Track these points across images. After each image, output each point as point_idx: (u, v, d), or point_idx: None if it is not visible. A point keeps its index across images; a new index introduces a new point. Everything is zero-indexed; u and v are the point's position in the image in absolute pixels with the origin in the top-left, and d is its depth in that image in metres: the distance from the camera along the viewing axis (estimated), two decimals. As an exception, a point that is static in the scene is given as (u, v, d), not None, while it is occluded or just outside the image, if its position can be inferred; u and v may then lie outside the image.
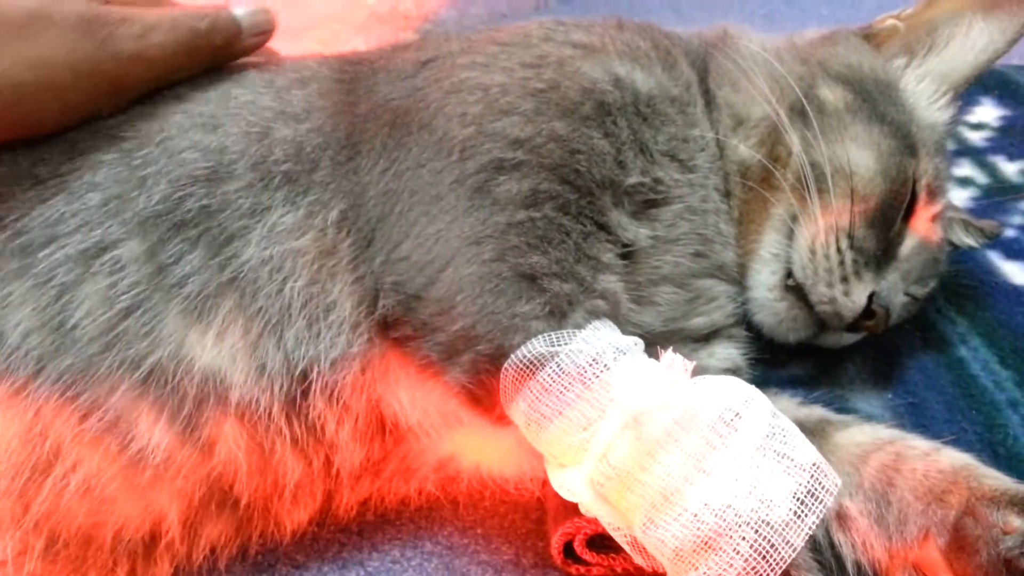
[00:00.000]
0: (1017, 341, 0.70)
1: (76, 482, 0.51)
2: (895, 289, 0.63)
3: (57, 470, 0.50)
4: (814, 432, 0.55)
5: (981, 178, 0.95)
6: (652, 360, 0.48)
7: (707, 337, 0.61)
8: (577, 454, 0.46)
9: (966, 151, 0.99)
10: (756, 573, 0.42)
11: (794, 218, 0.62)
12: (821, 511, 0.43)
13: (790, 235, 0.62)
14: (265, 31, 0.66)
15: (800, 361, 0.68)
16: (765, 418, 0.45)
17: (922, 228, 0.65)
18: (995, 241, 0.78)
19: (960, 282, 0.75)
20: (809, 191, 0.61)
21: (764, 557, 0.42)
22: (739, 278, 0.63)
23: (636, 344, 0.49)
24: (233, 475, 0.53)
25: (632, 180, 0.56)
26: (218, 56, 0.63)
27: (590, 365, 0.46)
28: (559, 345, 0.47)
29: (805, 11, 1.56)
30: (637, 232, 0.56)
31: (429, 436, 0.56)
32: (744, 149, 0.63)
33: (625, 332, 0.50)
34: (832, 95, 0.64)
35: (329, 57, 0.67)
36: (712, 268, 0.61)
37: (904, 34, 0.69)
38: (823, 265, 0.61)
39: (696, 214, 0.60)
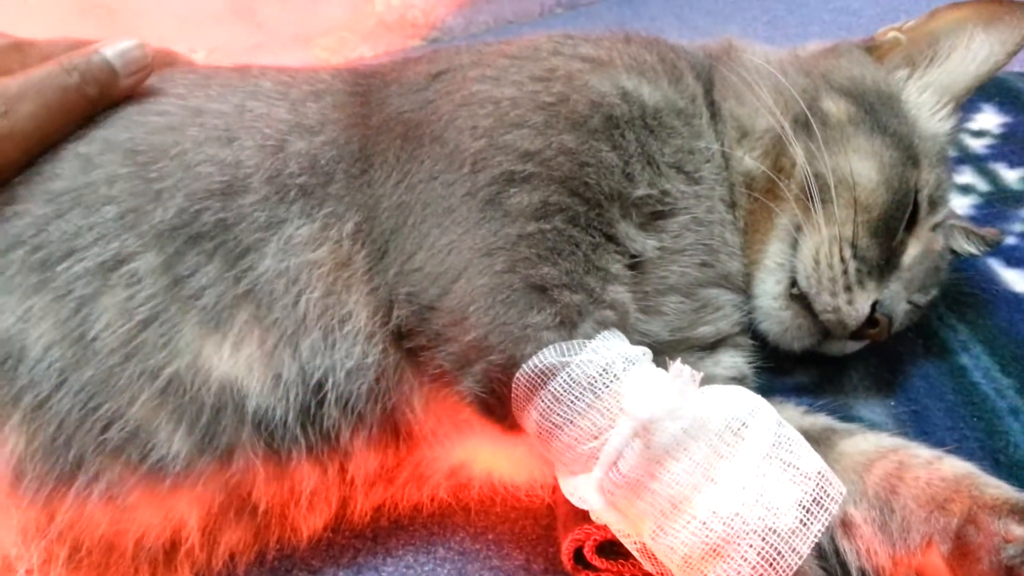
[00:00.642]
0: (1018, 349, 0.71)
1: (99, 491, 0.52)
2: (898, 298, 0.64)
3: (80, 480, 0.51)
4: (819, 440, 0.56)
5: (982, 185, 0.95)
6: (661, 370, 0.49)
7: (713, 346, 0.62)
8: (588, 462, 0.47)
9: (967, 158, 1.00)
10: (763, 579, 0.43)
11: (798, 228, 0.63)
12: (826, 519, 0.44)
13: (794, 245, 0.63)
14: (142, 67, 0.61)
15: (804, 369, 0.69)
16: (771, 427, 0.46)
17: (924, 237, 0.66)
18: (996, 249, 0.79)
19: (961, 290, 0.76)
20: (813, 202, 0.62)
21: (771, 564, 0.43)
22: (744, 287, 0.64)
23: (645, 354, 0.49)
24: (251, 482, 0.54)
25: (640, 192, 0.57)
26: (95, 107, 0.60)
27: (600, 375, 0.47)
28: (570, 355, 0.48)
29: (807, 18, 1.57)
30: (645, 243, 0.57)
31: (442, 444, 0.57)
32: (749, 160, 0.64)
33: (633, 341, 0.51)
34: (835, 107, 0.65)
35: (342, 69, 0.68)
36: (718, 278, 0.62)
37: (906, 46, 0.70)
38: (827, 274, 0.62)
39: (702, 225, 0.61)
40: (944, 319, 0.75)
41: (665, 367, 0.48)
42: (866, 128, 0.64)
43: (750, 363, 0.63)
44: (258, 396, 0.53)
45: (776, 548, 0.43)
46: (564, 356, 0.48)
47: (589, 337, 0.49)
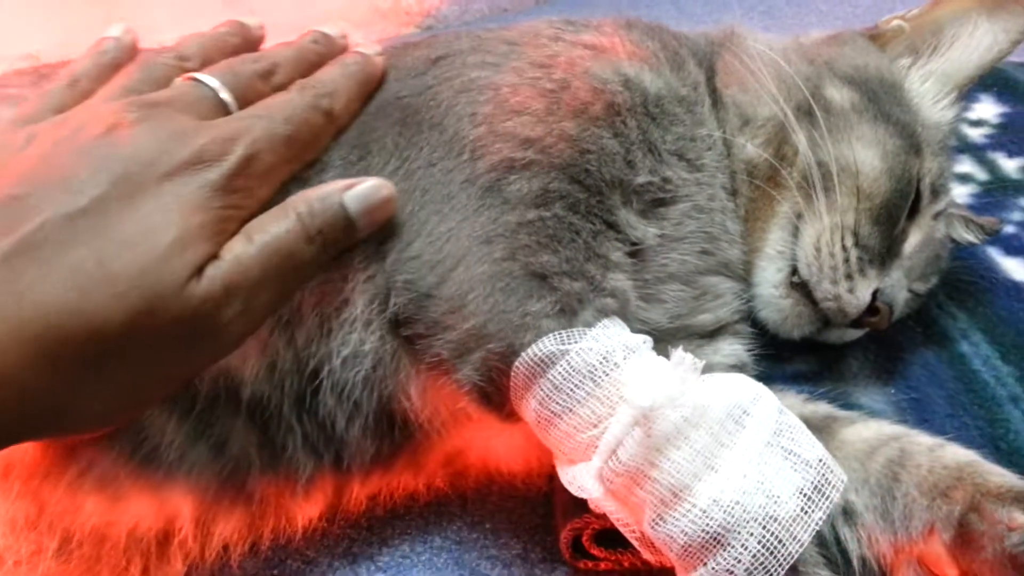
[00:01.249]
0: (1018, 337, 0.71)
1: (90, 482, 0.51)
2: (899, 286, 0.63)
3: (72, 470, 0.51)
4: (820, 428, 0.55)
5: (981, 175, 0.95)
6: (661, 358, 0.48)
7: (713, 334, 0.62)
8: (587, 451, 0.47)
9: (966, 148, 1.00)
10: (764, 568, 0.42)
11: (800, 216, 0.63)
12: (827, 506, 0.44)
13: (795, 233, 0.63)
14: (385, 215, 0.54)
15: (804, 357, 0.69)
16: (772, 415, 0.46)
17: (925, 226, 0.66)
18: (995, 237, 0.79)
19: (961, 278, 0.76)
20: (815, 190, 0.62)
21: (772, 552, 0.42)
22: (745, 275, 0.64)
23: (645, 342, 0.49)
24: (245, 471, 0.54)
25: (641, 179, 0.57)
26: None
27: (600, 363, 0.47)
28: (569, 343, 0.48)
29: (804, 6, 1.56)
30: (645, 231, 0.57)
31: (439, 432, 0.57)
32: (751, 148, 0.64)
33: (633, 329, 0.50)
34: (838, 95, 0.64)
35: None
36: (718, 266, 0.62)
37: (909, 34, 0.69)
38: (828, 263, 0.61)
39: (703, 212, 0.60)
40: (944, 307, 0.75)
41: (666, 355, 0.48)
42: (869, 116, 0.64)
43: (750, 351, 0.62)
44: (252, 385, 0.53)
45: (777, 536, 0.43)
46: (564, 344, 0.48)
47: (589, 325, 0.49)
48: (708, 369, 0.48)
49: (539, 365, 0.47)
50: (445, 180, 0.54)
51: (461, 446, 0.59)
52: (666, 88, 0.61)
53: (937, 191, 0.66)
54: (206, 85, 0.54)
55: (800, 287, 0.63)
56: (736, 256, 0.63)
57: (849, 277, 0.61)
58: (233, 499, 0.55)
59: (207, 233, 0.47)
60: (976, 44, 0.67)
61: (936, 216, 0.67)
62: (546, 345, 0.48)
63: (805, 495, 0.43)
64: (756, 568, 0.42)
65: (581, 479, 0.47)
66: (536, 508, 0.60)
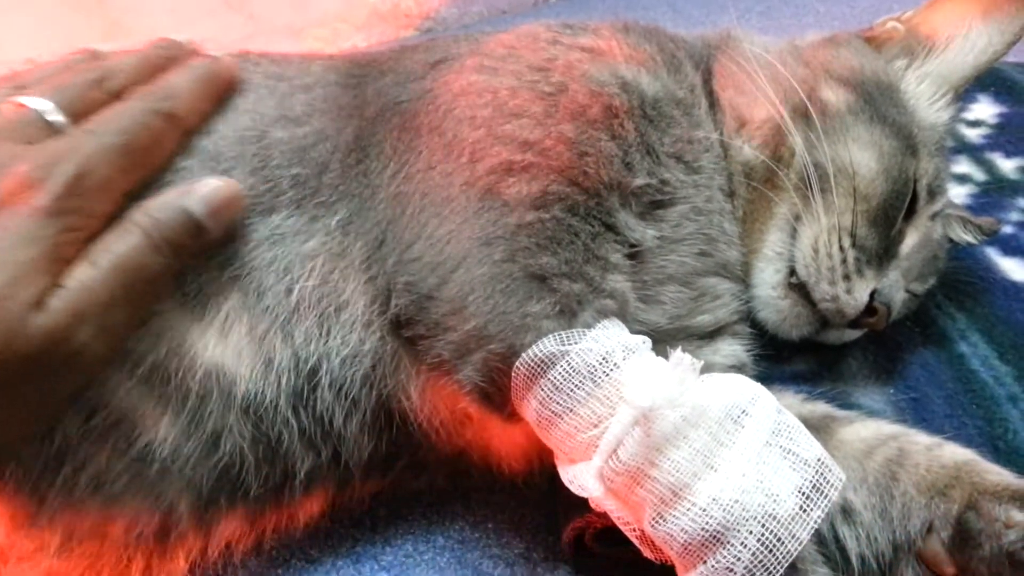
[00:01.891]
0: (1016, 337, 0.71)
1: (85, 478, 0.51)
2: (896, 286, 0.64)
3: (67, 467, 0.51)
4: (818, 428, 0.56)
5: (978, 175, 0.95)
6: (661, 359, 0.49)
7: (712, 334, 0.62)
8: (587, 450, 0.47)
9: (963, 148, 1.00)
10: (763, 566, 0.43)
11: (797, 217, 0.63)
12: (826, 505, 0.44)
13: (793, 234, 0.63)
14: (236, 214, 0.53)
15: (803, 357, 0.69)
16: (771, 415, 0.46)
17: (922, 226, 0.66)
18: (993, 238, 0.79)
19: (959, 278, 0.76)
20: (812, 191, 0.62)
21: (771, 550, 0.43)
22: (743, 276, 0.64)
23: (644, 343, 0.50)
24: (240, 466, 0.54)
25: (639, 181, 0.57)
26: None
27: (600, 363, 0.47)
28: (569, 344, 0.48)
29: (801, 8, 1.57)
30: (644, 232, 0.57)
31: (438, 432, 0.57)
32: (748, 150, 0.64)
33: (632, 331, 0.51)
34: (835, 97, 0.65)
35: (336, 59, 0.68)
36: (717, 267, 0.62)
37: (904, 36, 0.70)
38: (826, 264, 0.62)
39: (701, 214, 0.61)
40: (942, 307, 0.75)
41: (665, 356, 0.48)
42: (865, 117, 0.64)
43: (749, 351, 0.63)
44: (247, 382, 0.53)
45: (776, 534, 0.43)
46: (564, 345, 0.48)
47: (589, 326, 0.49)
48: (707, 369, 0.49)
49: (539, 366, 0.48)
50: (444, 183, 0.55)
51: (462, 446, 0.59)
52: (663, 91, 0.62)
53: (934, 192, 0.67)
54: (31, 108, 0.51)
55: (798, 288, 0.63)
56: (734, 257, 0.63)
57: (847, 278, 0.62)
58: (231, 495, 0.55)
59: (42, 266, 0.46)
60: (971, 45, 0.68)
61: (933, 217, 0.67)
62: (546, 346, 0.48)
63: (804, 494, 0.44)
64: (756, 566, 0.43)
65: (582, 478, 0.48)
66: (538, 508, 0.60)
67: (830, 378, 0.68)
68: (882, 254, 0.63)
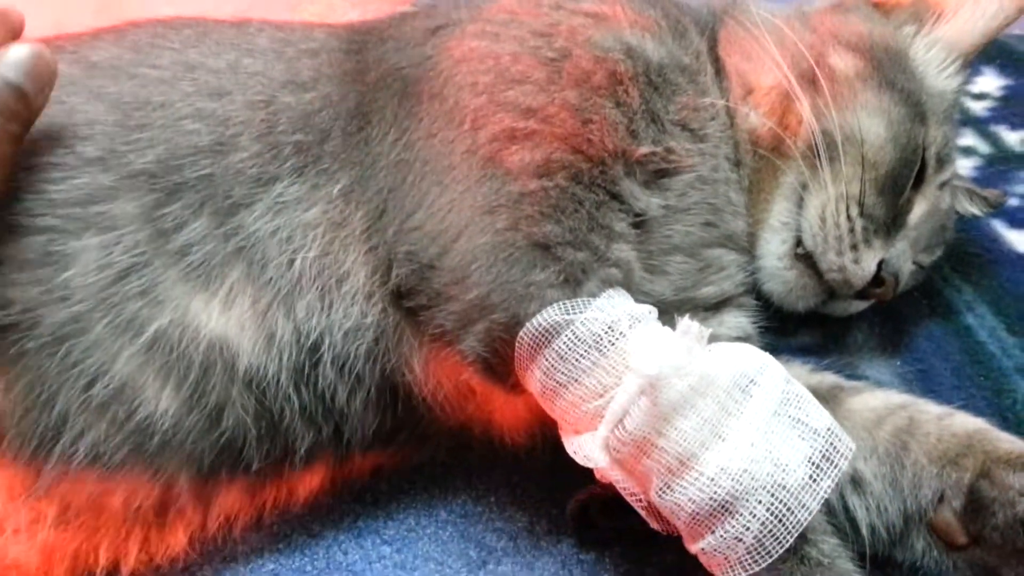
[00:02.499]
0: (1023, 308, 0.71)
1: (84, 448, 0.51)
2: (904, 256, 0.63)
3: (65, 437, 0.50)
4: (827, 398, 0.55)
5: (983, 148, 0.95)
6: (667, 328, 0.48)
7: (717, 306, 0.61)
8: (592, 420, 0.47)
9: (968, 121, 0.99)
10: (772, 536, 0.42)
11: (804, 186, 0.62)
12: (836, 475, 0.43)
13: (800, 203, 0.63)
14: (51, 79, 0.52)
15: (809, 329, 0.69)
16: (780, 384, 0.45)
17: (931, 196, 0.66)
18: (999, 210, 0.79)
19: (965, 250, 0.76)
20: (820, 159, 0.61)
21: (780, 520, 0.42)
22: (749, 247, 0.64)
23: (651, 312, 0.49)
24: (242, 441, 0.54)
25: (644, 149, 0.56)
26: (21, 142, 0.52)
27: (606, 332, 0.47)
28: (574, 313, 0.47)
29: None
30: (649, 201, 0.56)
31: (442, 406, 0.56)
32: (755, 117, 0.63)
33: (637, 301, 0.50)
34: (843, 63, 0.63)
35: (338, 27, 0.67)
36: (722, 238, 0.61)
37: (913, 2, 0.69)
38: (833, 233, 0.61)
39: (707, 183, 0.60)
40: (949, 279, 0.75)
41: (671, 326, 0.47)
42: (874, 84, 0.63)
43: (754, 323, 0.62)
44: (249, 355, 0.53)
45: (785, 503, 0.42)
46: (569, 314, 0.47)
47: (594, 295, 0.48)
48: (712, 341, 0.48)
49: (544, 335, 0.47)
50: (446, 151, 0.54)
51: (464, 419, 0.58)
52: (668, 57, 0.61)
53: (943, 160, 0.66)
54: None
55: (805, 258, 0.63)
56: (740, 228, 0.63)
57: (854, 248, 0.61)
58: (231, 469, 0.54)
59: None
60: (981, 11, 0.67)
61: (941, 186, 0.67)
62: (551, 315, 0.47)
63: (813, 463, 0.43)
64: (765, 535, 0.42)
65: (587, 449, 0.47)
66: (541, 480, 0.60)
67: (836, 350, 0.68)
68: (890, 223, 0.62)
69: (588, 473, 0.48)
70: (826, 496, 0.43)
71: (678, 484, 0.44)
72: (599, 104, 0.55)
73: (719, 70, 0.65)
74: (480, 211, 0.51)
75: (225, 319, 0.52)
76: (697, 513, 0.43)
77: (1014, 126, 0.98)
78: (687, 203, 0.59)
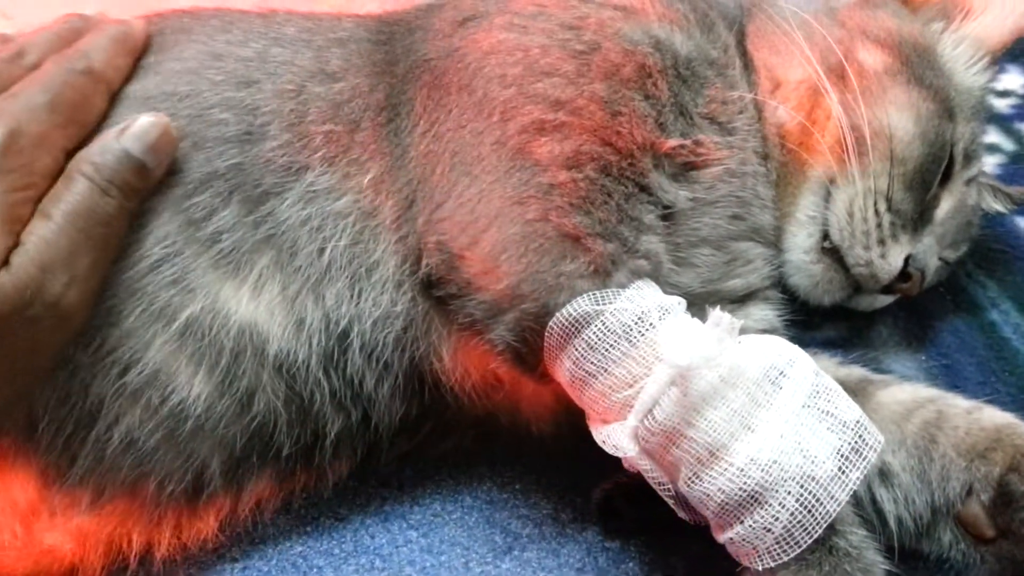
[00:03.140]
0: (1048, 305, 0.71)
1: (118, 435, 0.52)
2: (930, 252, 0.63)
3: (100, 425, 0.51)
4: (856, 391, 0.55)
5: (1008, 145, 0.94)
6: (697, 319, 0.48)
7: (743, 299, 0.61)
8: (622, 410, 0.47)
9: (992, 118, 0.98)
10: (802, 526, 0.43)
11: (832, 181, 0.62)
12: (865, 467, 0.44)
13: (827, 198, 0.62)
14: (172, 151, 0.54)
15: (833, 324, 0.69)
16: (809, 377, 0.46)
17: (957, 192, 0.65)
18: (1023, 206, 0.78)
19: (989, 246, 0.75)
20: (848, 153, 0.61)
21: (809, 511, 0.43)
22: (776, 241, 0.64)
23: (680, 303, 0.49)
24: (273, 426, 0.54)
25: (672, 142, 0.56)
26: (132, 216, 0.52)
27: (636, 323, 0.47)
28: (604, 303, 0.48)
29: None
30: (677, 194, 0.56)
31: (469, 395, 0.57)
32: (783, 111, 0.63)
33: (665, 293, 0.50)
34: (872, 58, 0.63)
35: (366, 17, 0.67)
36: (749, 231, 0.61)
37: None
38: (860, 228, 0.61)
39: (735, 176, 0.60)
40: (973, 275, 0.74)
41: (700, 318, 0.48)
42: (903, 80, 0.63)
43: (780, 317, 0.62)
44: (279, 340, 0.53)
45: (815, 495, 0.43)
46: (599, 304, 0.48)
47: (623, 286, 0.49)
48: (741, 333, 0.48)
49: (574, 325, 0.48)
50: (475, 142, 0.54)
51: (491, 408, 0.59)
52: (697, 50, 0.61)
53: (969, 156, 0.66)
54: None
55: (831, 252, 0.63)
56: (767, 221, 0.63)
57: (881, 242, 0.61)
58: (262, 454, 0.55)
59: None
60: (1011, 8, 0.66)
61: (968, 182, 0.66)
62: (581, 305, 0.48)
63: (843, 455, 0.44)
64: (794, 526, 0.43)
65: (616, 438, 0.47)
66: (566, 469, 0.60)
67: (861, 345, 0.68)
68: (917, 219, 0.62)
69: (613, 462, 0.49)
70: (855, 488, 0.43)
71: (707, 474, 0.44)
72: (628, 97, 0.55)
73: (747, 64, 0.65)
74: (510, 202, 0.51)
75: (255, 305, 0.53)
76: (726, 503, 0.44)
77: (1038, 123, 0.98)
78: (715, 196, 0.59)
